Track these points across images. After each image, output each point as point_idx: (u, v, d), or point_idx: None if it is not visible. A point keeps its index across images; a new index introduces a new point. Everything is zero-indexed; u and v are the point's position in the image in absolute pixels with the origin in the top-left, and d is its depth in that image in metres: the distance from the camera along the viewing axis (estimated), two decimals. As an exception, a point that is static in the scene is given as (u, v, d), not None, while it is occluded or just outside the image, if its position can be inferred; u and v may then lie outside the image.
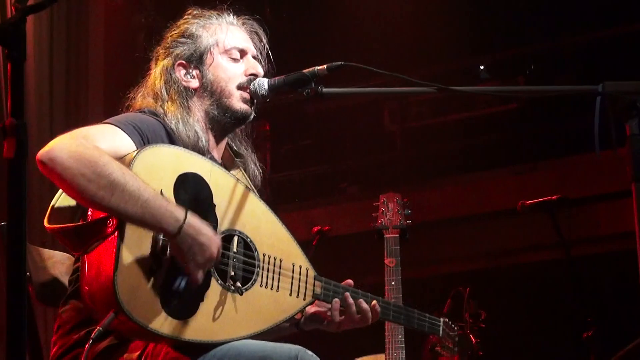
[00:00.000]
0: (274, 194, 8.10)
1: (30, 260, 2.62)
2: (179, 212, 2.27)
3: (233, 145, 2.80)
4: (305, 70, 2.57)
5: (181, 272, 2.32)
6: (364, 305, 2.73)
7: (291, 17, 7.80)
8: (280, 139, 8.25)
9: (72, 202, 2.40)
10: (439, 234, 7.13)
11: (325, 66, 2.55)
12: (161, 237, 2.28)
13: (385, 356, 4.12)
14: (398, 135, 7.93)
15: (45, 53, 5.69)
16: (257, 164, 2.81)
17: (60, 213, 2.39)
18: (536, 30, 7.31)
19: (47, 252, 2.72)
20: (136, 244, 2.25)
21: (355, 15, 7.39)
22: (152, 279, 2.26)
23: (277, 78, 2.65)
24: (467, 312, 4.98)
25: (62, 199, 2.41)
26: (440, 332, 3.11)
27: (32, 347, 2.53)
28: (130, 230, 2.25)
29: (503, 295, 6.55)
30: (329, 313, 2.72)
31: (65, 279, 2.63)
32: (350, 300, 2.70)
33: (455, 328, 3.21)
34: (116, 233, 2.22)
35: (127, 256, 2.23)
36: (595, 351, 4.38)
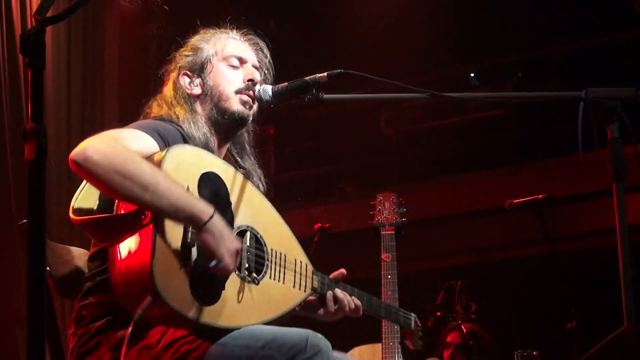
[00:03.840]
0: (278, 193, 8.15)
1: (50, 255, 2.63)
2: (207, 208, 2.31)
3: (238, 159, 2.81)
4: (307, 78, 2.57)
5: (207, 262, 2.34)
6: (354, 299, 2.79)
7: (294, 28, 7.81)
8: (283, 142, 8.26)
9: (91, 203, 2.41)
10: (432, 231, 7.13)
11: (325, 74, 2.55)
12: (190, 230, 2.31)
13: (382, 345, 4.13)
14: (394, 138, 7.93)
15: (63, 61, 5.69)
16: (262, 179, 2.82)
17: (79, 213, 2.40)
18: (523, 40, 7.32)
19: (66, 248, 2.72)
20: (169, 235, 2.28)
21: (354, 27, 7.40)
22: (182, 268, 2.28)
23: (280, 85, 2.66)
24: (458, 304, 4.99)
25: (80, 200, 2.42)
26: (412, 325, 3.17)
27: (51, 338, 2.53)
28: (165, 222, 2.27)
29: (492, 288, 6.55)
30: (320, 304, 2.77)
31: (83, 273, 2.63)
32: (341, 295, 2.75)
33: (420, 326, 3.26)
34: (152, 225, 2.25)
35: (162, 246, 2.25)
36: (578, 341, 4.38)
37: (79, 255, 2.67)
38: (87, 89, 5.84)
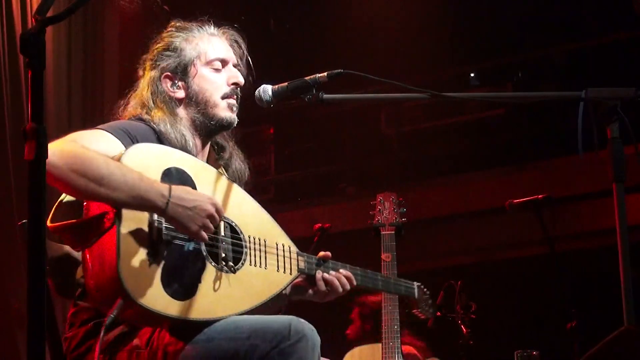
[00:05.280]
0: (278, 193, 8.14)
1: (50, 255, 2.62)
2: (163, 188, 2.31)
3: (219, 141, 2.80)
4: (307, 78, 2.56)
5: (178, 256, 2.35)
6: (343, 272, 2.77)
7: (294, 28, 7.81)
8: (283, 142, 8.26)
9: (74, 208, 2.42)
10: (432, 231, 7.13)
11: (325, 74, 2.55)
12: (156, 219, 2.31)
13: (382, 346, 4.12)
14: (394, 138, 7.93)
15: (63, 61, 5.69)
16: (243, 160, 2.81)
17: (68, 207, 2.41)
18: (523, 40, 7.32)
19: (66, 248, 2.72)
20: (134, 234, 2.28)
21: (355, 27, 7.39)
22: (152, 265, 2.29)
23: (280, 85, 2.65)
24: (458, 304, 4.99)
25: (68, 197, 2.43)
26: (416, 294, 3.17)
27: (51, 340, 2.53)
28: (127, 221, 2.28)
29: (492, 288, 6.55)
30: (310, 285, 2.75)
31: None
32: (330, 277, 2.72)
33: (427, 292, 3.23)
34: (114, 227, 2.25)
35: (127, 246, 2.26)
36: (578, 341, 4.38)
37: (79, 256, 2.67)
38: (87, 89, 5.83)
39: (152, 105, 2.66)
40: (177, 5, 6.31)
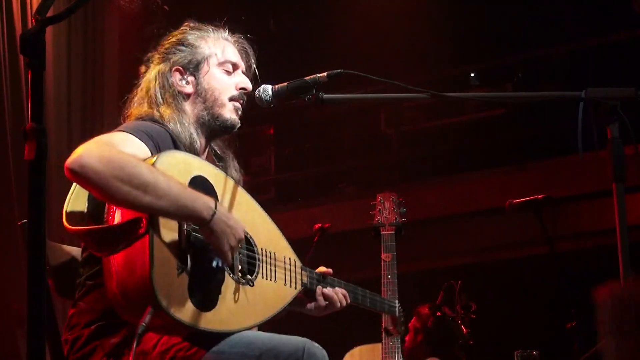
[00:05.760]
0: (278, 193, 8.14)
1: (50, 255, 2.62)
2: (209, 200, 2.32)
3: (217, 149, 2.80)
4: (306, 78, 2.56)
5: (203, 267, 2.34)
6: (339, 289, 2.86)
7: (294, 28, 7.81)
8: (283, 142, 8.26)
9: (82, 207, 2.40)
10: (432, 231, 7.13)
11: (325, 74, 2.54)
12: (185, 227, 2.30)
13: (382, 345, 4.13)
14: (394, 138, 7.93)
15: (63, 62, 5.69)
16: (238, 170, 2.81)
17: (72, 217, 2.39)
18: (523, 40, 7.32)
19: (66, 248, 2.72)
20: (165, 243, 2.26)
21: (354, 27, 7.40)
22: (181, 276, 2.28)
23: (280, 85, 2.65)
24: (458, 304, 4.99)
25: (72, 204, 2.41)
26: (397, 312, 3.30)
27: (51, 340, 2.53)
28: (160, 230, 2.25)
29: (492, 288, 6.55)
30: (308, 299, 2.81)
31: (82, 274, 2.62)
32: (330, 293, 2.80)
33: (402, 311, 3.39)
34: (148, 234, 2.22)
35: (160, 255, 2.23)
36: (578, 340, 4.38)
37: (79, 255, 2.67)
38: (87, 89, 5.84)
39: (161, 101, 2.64)
40: (177, 5, 6.33)
